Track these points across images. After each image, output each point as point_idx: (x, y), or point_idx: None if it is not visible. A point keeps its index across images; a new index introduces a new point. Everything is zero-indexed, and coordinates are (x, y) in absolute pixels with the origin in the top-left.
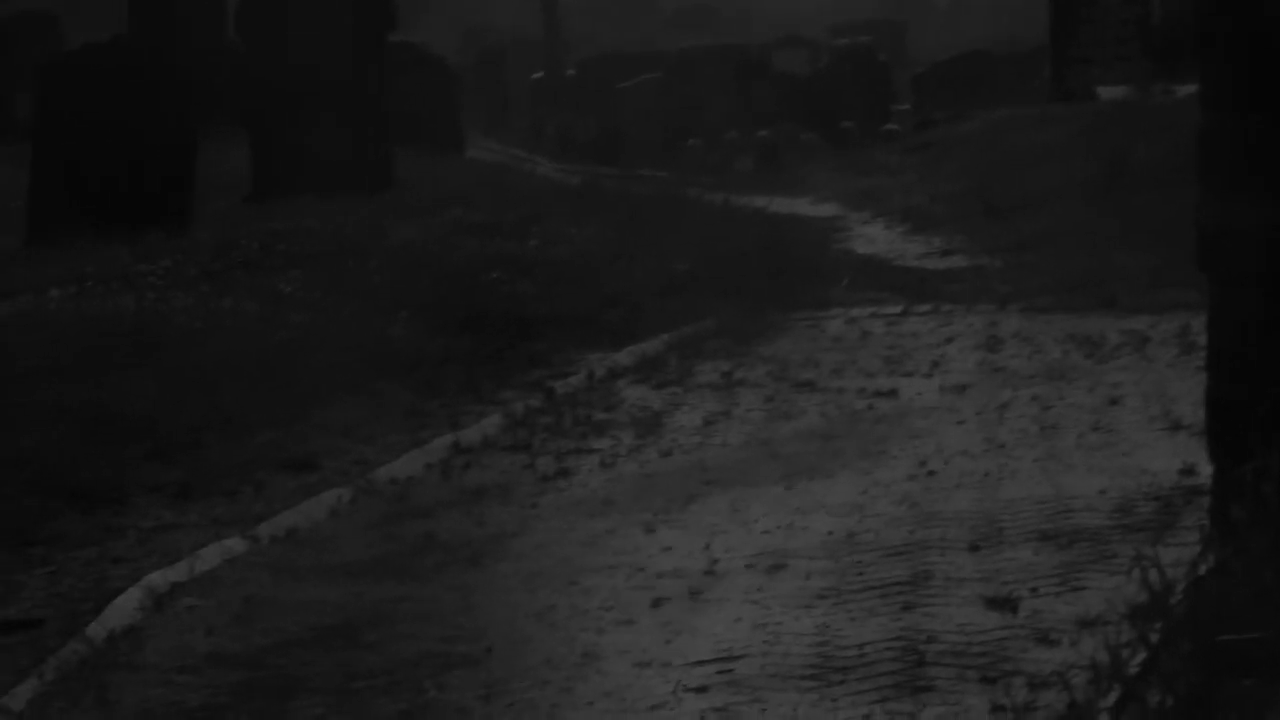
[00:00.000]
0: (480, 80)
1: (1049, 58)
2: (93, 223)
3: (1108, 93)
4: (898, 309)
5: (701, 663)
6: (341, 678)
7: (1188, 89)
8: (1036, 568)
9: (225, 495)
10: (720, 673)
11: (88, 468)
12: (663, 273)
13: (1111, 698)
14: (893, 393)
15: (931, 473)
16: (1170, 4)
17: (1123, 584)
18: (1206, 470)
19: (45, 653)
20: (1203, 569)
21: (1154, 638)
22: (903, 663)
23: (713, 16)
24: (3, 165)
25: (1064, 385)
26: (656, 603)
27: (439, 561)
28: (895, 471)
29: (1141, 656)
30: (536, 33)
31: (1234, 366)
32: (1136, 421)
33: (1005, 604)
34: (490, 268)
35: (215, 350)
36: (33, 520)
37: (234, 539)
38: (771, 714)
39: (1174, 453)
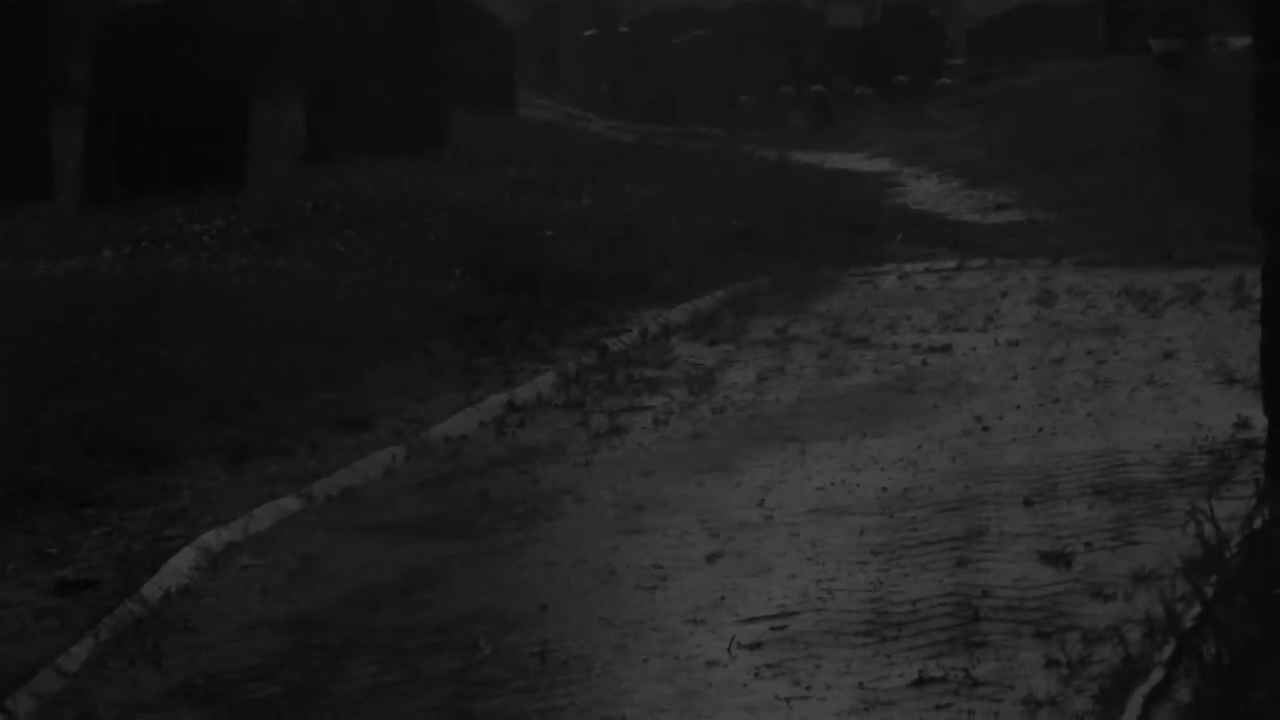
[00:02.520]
0: (532, 38)
1: (1101, 11)
2: (147, 183)
3: (1160, 45)
4: (952, 264)
5: (756, 619)
6: (396, 636)
7: (1241, 41)
8: (1091, 522)
9: (280, 454)
10: (774, 629)
11: (143, 428)
12: (717, 230)
13: (1166, 652)
14: (947, 348)
15: (986, 428)
16: None
17: (1177, 538)
18: (1261, 423)
19: (100, 613)
20: (1258, 522)
21: (1209, 591)
22: (957, 618)
23: None
24: (58, 127)
25: (1118, 339)
26: (710, 559)
27: (493, 520)
28: (949, 427)
29: (1196, 610)
30: None
31: None
32: (1191, 375)
33: (1059, 559)
34: (544, 226)
35: (270, 310)
36: (88, 481)
37: (289, 498)
38: (825, 670)
39: (1228, 406)
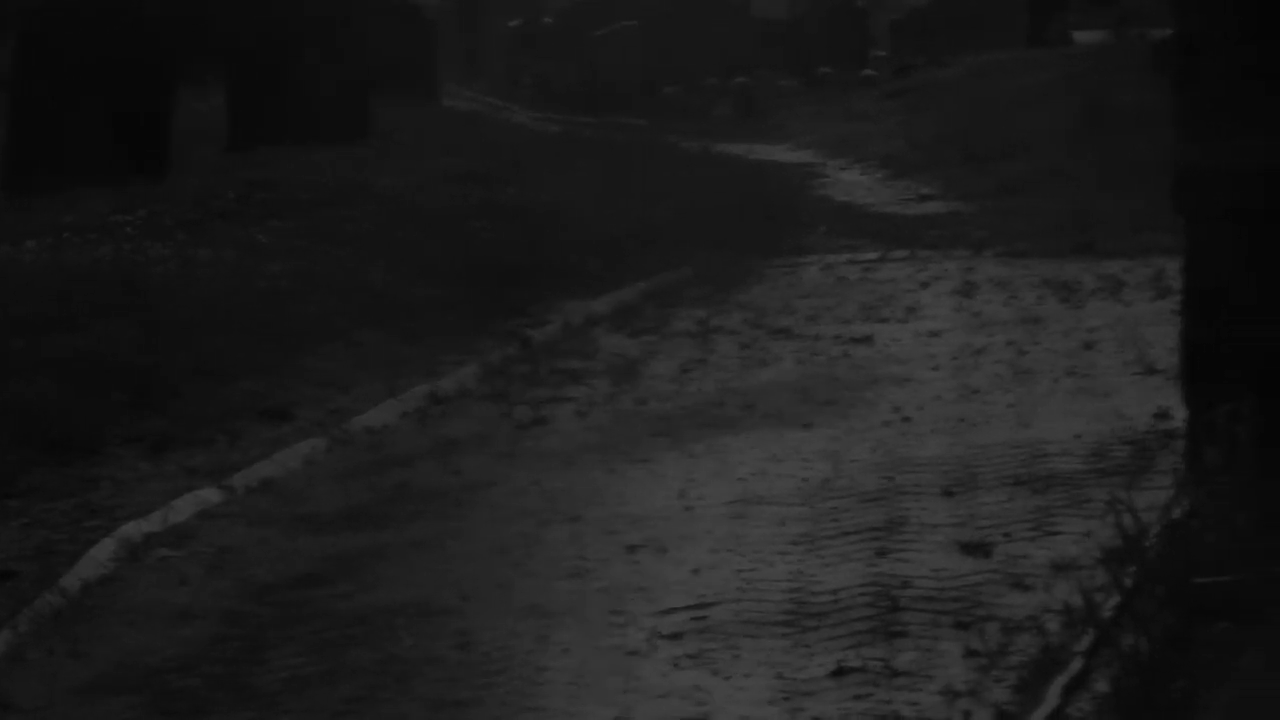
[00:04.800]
0: (456, 28)
1: (1026, 3)
2: (70, 173)
3: (1084, 37)
4: (874, 255)
5: (676, 610)
6: (316, 627)
7: (1163, 32)
8: (1010, 512)
9: (202, 445)
10: (694, 619)
11: (66, 418)
12: (641, 220)
13: (1085, 642)
14: (868, 339)
15: (906, 419)
16: None
17: (1097, 528)
18: (1181, 414)
19: (19, 604)
20: (1177, 512)
21: (1128, 581)
22: (876, 608)
23: None
24: None
25: (1039, 330)
26: (631, 549)
27: (415, 511)
28: (870, 418)
29: (1115, 600)
30: None
31: (1209, 307)
32: (1111, 366)
33: (979, 549)
34: (470, 216)
35: (194, 300)
36: (9, 472)
37: (209, 489)
38: (745, 660)
39: (1148, 396)
